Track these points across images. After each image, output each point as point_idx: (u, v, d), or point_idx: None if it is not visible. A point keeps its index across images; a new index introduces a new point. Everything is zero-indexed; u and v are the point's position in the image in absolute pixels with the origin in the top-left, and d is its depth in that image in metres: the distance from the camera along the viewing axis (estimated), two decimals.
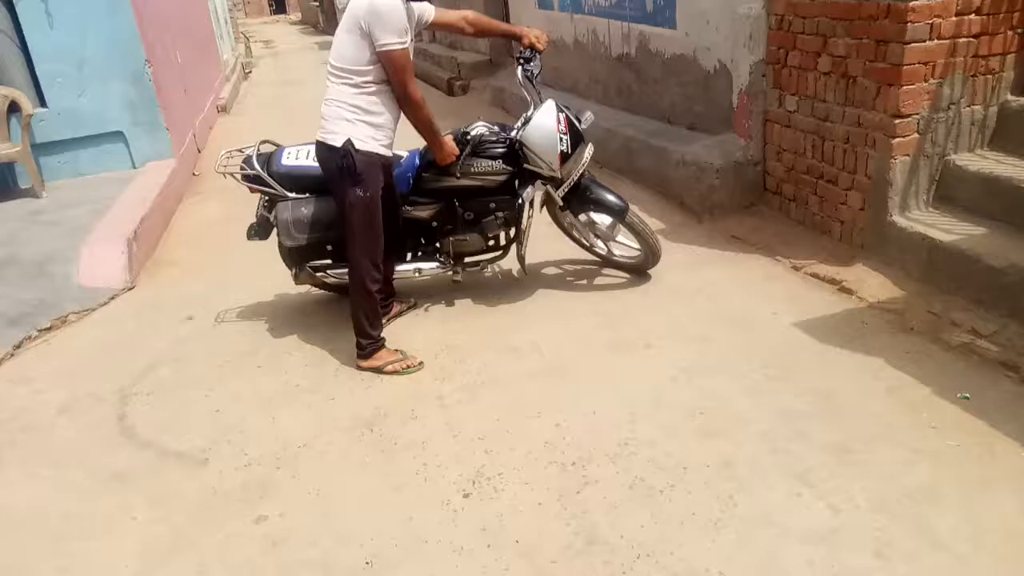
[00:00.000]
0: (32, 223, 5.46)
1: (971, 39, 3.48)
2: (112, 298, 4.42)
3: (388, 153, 3.23)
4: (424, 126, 3.24)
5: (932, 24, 3.37)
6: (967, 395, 2.73)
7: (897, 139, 3.55)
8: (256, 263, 4.34)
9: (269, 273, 4.11)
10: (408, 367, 3.29)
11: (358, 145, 3.05)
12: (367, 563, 2.27)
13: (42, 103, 6.31)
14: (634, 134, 5.63)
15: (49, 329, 4.08)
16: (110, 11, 6.26)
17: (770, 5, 4.21)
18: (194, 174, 7.27)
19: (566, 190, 3.63)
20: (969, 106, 3.63)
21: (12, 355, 3.85)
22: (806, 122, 4.12)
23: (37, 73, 6.24)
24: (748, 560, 2.12)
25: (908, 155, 3.60)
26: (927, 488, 2.32)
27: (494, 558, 2.23)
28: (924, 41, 3.39)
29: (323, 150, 3.15)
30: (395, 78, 3.04)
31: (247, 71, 15.91)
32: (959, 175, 3.63)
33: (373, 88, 3.06)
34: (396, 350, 3.37)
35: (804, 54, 4.02)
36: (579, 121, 3.59)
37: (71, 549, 2.46)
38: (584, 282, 4.05)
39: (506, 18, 9.30)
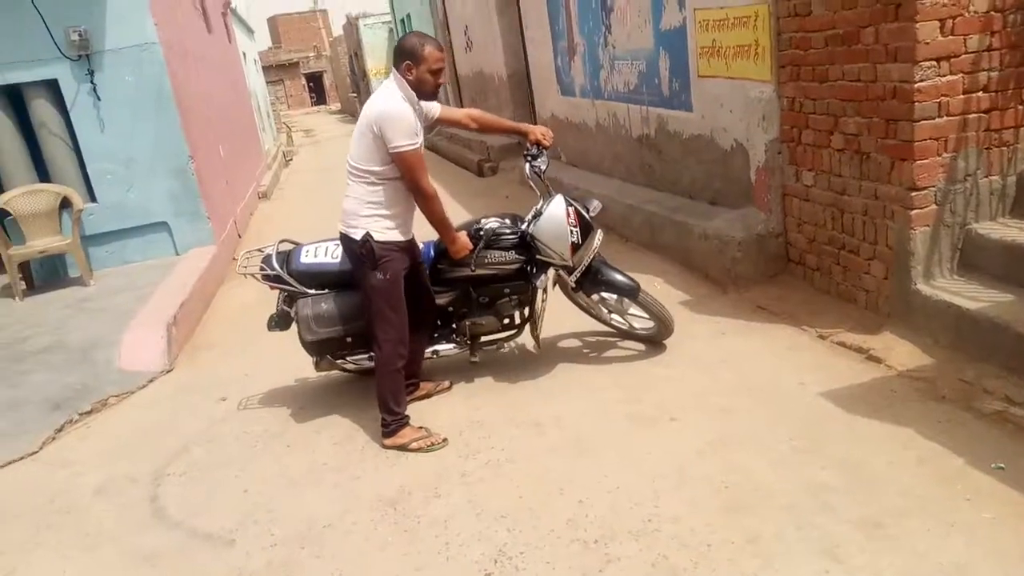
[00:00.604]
0: (79, 310, 5.71)
1: (981, 114, 3.53)
2: (151, 381, 4.57)
3: (407, 237, 3.38)
4: (437, 220, 3.38)
5: (940, 102, 3.44)
6: (1002, 465, 2.66)
7: (915, 211, 3.58)
8: (289, 344, 4.43)
9: (301, 355, 4.18)
10: (432, 444, 3.32)
11: (376, 236, 3.25)
12: None
13: (92, 198, 6.69)
14: (656, 210, 5.74)
15: (90, 412, 4.22)
16: (157, 112, 6.70)
17: (781, 88, 4.35)
18: (234, 259, 7.53)
19: (578, 275, 3.73)
20: (987, 176, 3.66)
21: (54, 439, 3.98)
22: (824, 196, 4.18)
23: (88, 171, 6.65)
24: None
25: (928, 225, 3.62)
26: (961, 564, 2.25)
27: None
28: (934, 119, 3.46)
29: (346, 241, 3.36)
30: (407, 176, 3.22)
31: (288, 159, 16.62)
32: (981, 243, 3.63)
33: (387, 184, 3.24)
34: (420, 427, 3.41)
35: (817, 132, 4.12)
36: (587, 211, 3.73)
37: None
38: (604, 354, 4.08)
39: (531, 105, 9.66)
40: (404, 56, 3.21)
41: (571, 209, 3.63)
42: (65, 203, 6.36)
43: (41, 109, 6.44)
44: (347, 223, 3.32)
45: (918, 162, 3.49)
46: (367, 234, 3.24)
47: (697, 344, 4.03)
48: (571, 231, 3.57)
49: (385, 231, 3.27)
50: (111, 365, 4.70)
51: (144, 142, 6.70)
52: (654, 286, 5.01)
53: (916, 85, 3.40)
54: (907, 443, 2.89)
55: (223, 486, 3.29)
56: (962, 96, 3.47)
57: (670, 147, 5.98)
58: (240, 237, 8.46)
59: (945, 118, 3.47)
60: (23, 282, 6.30)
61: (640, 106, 6.33)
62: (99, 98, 6.52)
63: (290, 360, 4.42)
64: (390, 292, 3.29)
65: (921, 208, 3.58)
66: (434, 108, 3.53)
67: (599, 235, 3.76)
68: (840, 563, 2.31)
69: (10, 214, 6.24)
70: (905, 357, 3.52)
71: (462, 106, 13.24)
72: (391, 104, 3.17)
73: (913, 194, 3.55)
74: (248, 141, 12.45)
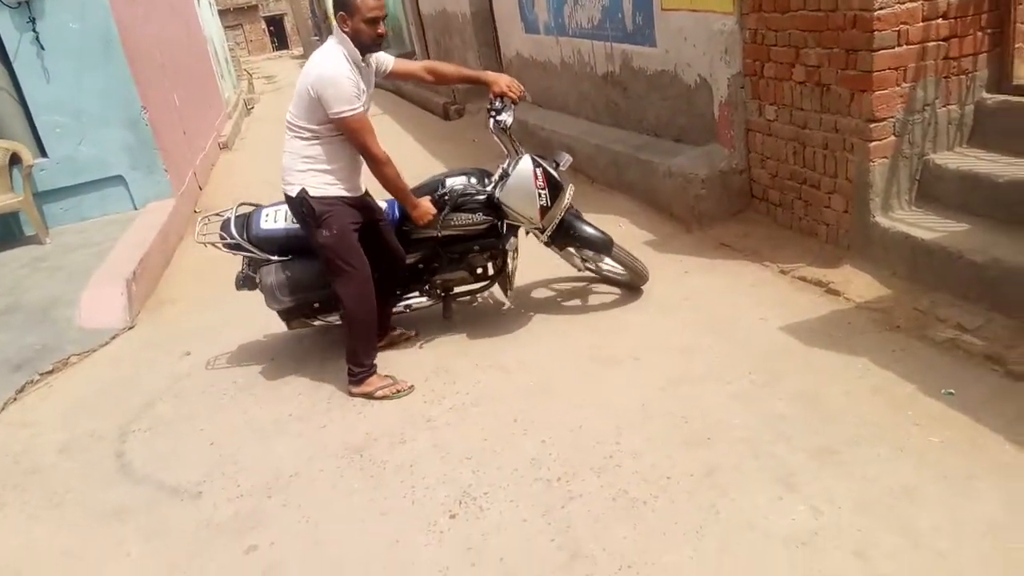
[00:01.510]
0: (35, 269, 5.57)
1: (941, 42, 3.51)
2: (113, 338, 4.50)
3: (353, 193, 3.26)
4: (392, 187, 3.26)
5: (899, 31, 3.40)
6: (952, 391, 2.73)
7: (874, 142, 3.58)
8: (254, 297, 4.39)
9: (267, 309, 4.16)
10: (398, 391, 3.32)
11: (313, 192, 3.13)
12: None
13: (43, 153, 6.46)
14: (622, 149, 5.69)
15: (51, 372, 4.15)
16: (105, 60, 6.43)
17: (743, 20, 4.27)
18: (195, 212, 7.38)
19: (550, 233, 3.63)
20: (945, 106, 3.66)
21: (15, 399, 3.92)
22: (786, 130, 4.16)
23: (36, 124, 6.41)
24: (730, 567, 2.13)
25: (886, 157, 3.63)
26: (910, 487, 2.32)
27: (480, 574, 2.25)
28: (893, 48, 3.42)
29: (287, 200, 3.26)
30: (354, 141, 3.10)
31: (250, 107, 16.17)
32: (939, 174, 3.65)
33: (324, 140, 3.11)
34: (387, 375, 3.41)
35: (779, 65, 4.07)
36: (556, 166, 3.60)
37: None
38: (574, 302, 4.08)
39: (496, 44, 9.44)
40: (338, 6, 3.02)
41: (539, 170, 3.45)
42: (15, 159, 6.14)
43: None
44: (285, 180, 3.20)
45: (876, 93, 3.47)
46: (303, 190, 3.12)
47: (661, 284, 4.04)
48: (539, 194, 3.42)
49: (324, 186, 3.15)
50: (71, 324, 4.62)
51: (93, 92, 6.45)
52: (618, 227, 5.00)
53: (876, 13, 3.35)
54: (862, 373, 2.95)
55: (189, 440, 3.29)
56: (921, 24, 3.44)
57: (635, 84, 5.89)
58: (201, 189, 8.27)
59: (904, 47, 3.44)
60: None
61: (604, 42, 6.21)
62: (43, 47, 6.23)
63: (256, 313, 4.36)
64: (340, 247, 3.18)
65: (880, 140, 3.57)
66: (386, 61, 3.36)
67: (570, 191, 3.62)
68: (794, 490, 2.38)
69: None
70: (863, 289, 3.57)
71: (426, 47, 12.92)
72: (329, 67, 3.00)
73: (872, 126, 3.54)
74: (206, 89, 12.07)
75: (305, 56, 34.35)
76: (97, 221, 6.57)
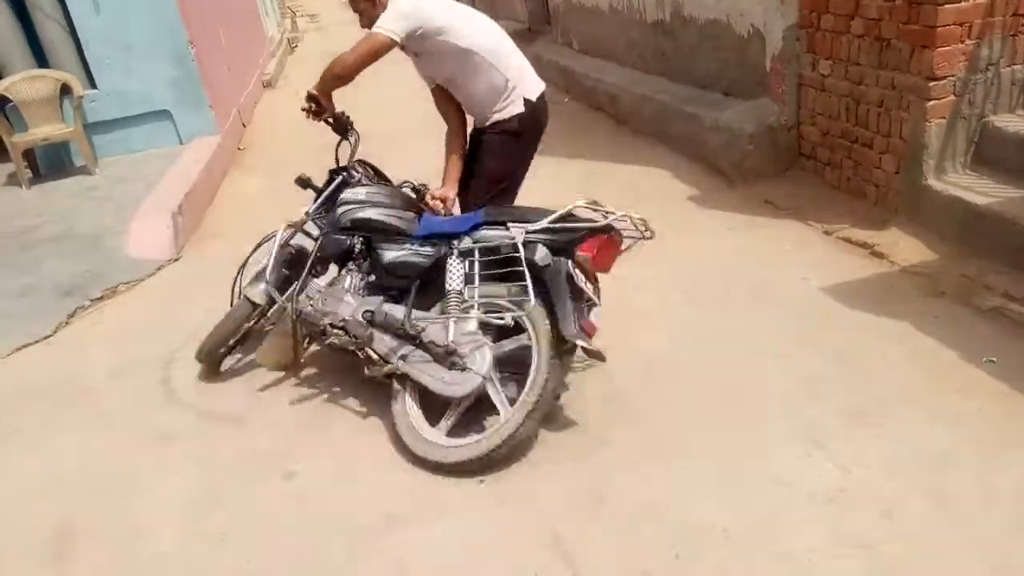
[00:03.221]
0: (86, 199, 5.71)
1: None
2: (159, 269, 4.63)
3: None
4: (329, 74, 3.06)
5: None
6: (993, 359, 2.70)
7: (932, 102, 3.47)
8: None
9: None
10: None
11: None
12: (386, 517, 2.38)
13: (92, 85, 6.54)
14: (668, 100, 5.58)
15: (100, 299, 4.29)
16: None
17: None
18: (239, 148, 7.46)
19: None
20: (1010, 66, 3.52)
21: (67, 324, 4.07)
22: (840, 86, 4.04)
23: (86, 56, 6.48)
24: (754, 517, 2.17)
25: (944, 118, 3.51)
26: (941, 451, 2.31)
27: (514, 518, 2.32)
28: (959, 1, 3.28)
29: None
30: (355, 49, 2.95)
31: (293, 45, 16.11)
32: (998, 137, 3.53)
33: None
34: None
35: (837, 17, 3.93)
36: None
37: (119, 500, 2.65)
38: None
39: None
40: None
41: None
42: (65, 90, 6.24)
43: None
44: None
45: (939, 49, 3.35)
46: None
47: (703, 239, 4.01)
48: None
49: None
50: (120, 253, 4.75)
51: (141, 25, 6.47)
52: (661, 180, 4.94)
53: None
54: (902, 337, 2.92)
55: (231, 371, 3.39)
56: None
57: (685, 33, 5.74)
58: (245, 127, 8.33)
59: (971, 1, 3.30)
60: (28, 170, 6.28)
61: None
62: None
63: None
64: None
65: (938, 99, 3.46)
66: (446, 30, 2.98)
67: None
68: (824, 448, 2.39)
69: (11, 101, 6.14)
70: (909, 253, 3.51)
71: None
72: None
73: (931, 84, 3.42)
74: (251, 27, 12.03)
75: None
76: (144, 154, 6.67)
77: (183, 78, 6.72)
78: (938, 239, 3.51)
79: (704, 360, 2.97)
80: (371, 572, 2.21)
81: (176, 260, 4.76)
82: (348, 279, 3.06)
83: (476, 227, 2.78)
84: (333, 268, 3.21)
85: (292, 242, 3.29)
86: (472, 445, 2.50)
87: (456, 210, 3.25)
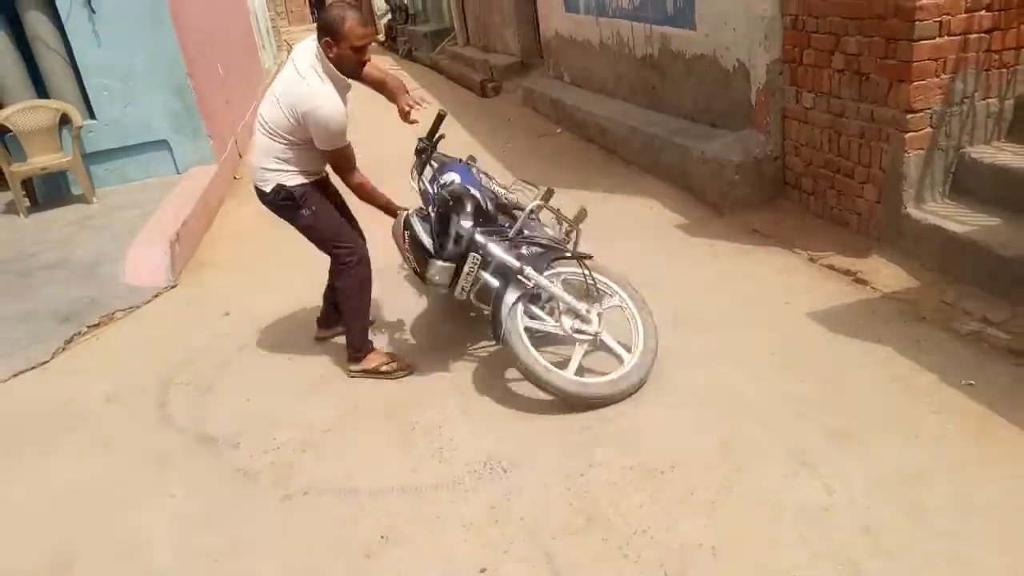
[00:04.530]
0: (83, 227, 5.78)
1: (983, 35, 3.49)
2: (156, 296, 4.68)
3: (315, 178, 3.34)
4: (372, 201, 3.33)
5: (941, 21, 3.40)
6: (972, 382, 2.77)
7: (909, 133, 3.59)
8: (290, 263, 4.55)
9: (300, 273, 4.30)
10: (399, 369, 3.36)
11: (288, 183, 3.22)
12: (383, 537, 2.42)
13: (91, 115, 6.65)
14: (658, 132, 5.72)
15: (97, 325, 4.35)
16: (153, 28, 6.59)
17: (784, 5, 4.28)
18: (235, 178, 7.56)
19: None
20: (984, 99, 3.64)
21: (64, 349, 4.12)
22: (822, 118, 4.17)
23: (86, 87, 6.59)
24: (741, 536, 2.22)
25: (922, 149, 3.63)
26: (922, 470, 2.38)
27: (500, 533, 2.37)
28: (933, 38, 3.42)
29: (260, 195, 3.33)
30: (335, 167, 3.22)
31: None
32: (974, 167, 3.65)
33: (298, 148, 3.16)
34: (386, 352, 3.46)
35: (818, 52, 4.07)
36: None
37: (116, 521, 2.68)
38: None
39: (535, 21, 9.44)
40: (323, 31, 2.98)
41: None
42: (64, 120, 6.34)
43: (35, 22, 6.33)
44: (257, 177, 3.27)
45: (915, 83, 3.48)
46: (278, 185, 3.21)
47: (692, 266, 4.10)
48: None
49: (295, 176, 3.23)
50: (117, 280, 4.80)
51: (141, 58, 6.60)
52: (650, 210, 5.06)
53: (918, 2, 3.35)
54: (884, 360, 3.00)
55: (227, 395, 3.44)
56: (964, 15, 3.43)
57: (673, 67, 5.90)
58: (241, 157, 8.44)
59: (945, 38, 3.44)
60: (27, 199, 6.36)
61: (644, 24, 6.21)
62: (94, 11, 6.38)
63: (290, 279, 4.52)
64: (324, 219, 3.31)
65: (916, 131, 3.58)
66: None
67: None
68: (809, 467, 2.45)
69: (10, 131, 6.23)
70: (891, 279, 3.60)
71: (465, 23, 12.92)
72: (325, 108, 2.97)
73: (909, 116, 3.55)
74: (248, 59, 12.23)
75: None
76: (141, 184, 6.76)
77: (182, 109, 6.84)
78: (918, 266, 3.61)
79: (690, 380, 3.04)
80: None
81: (172, 287, 4.82)
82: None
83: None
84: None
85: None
86: (606, 383, 2.92)
87: None
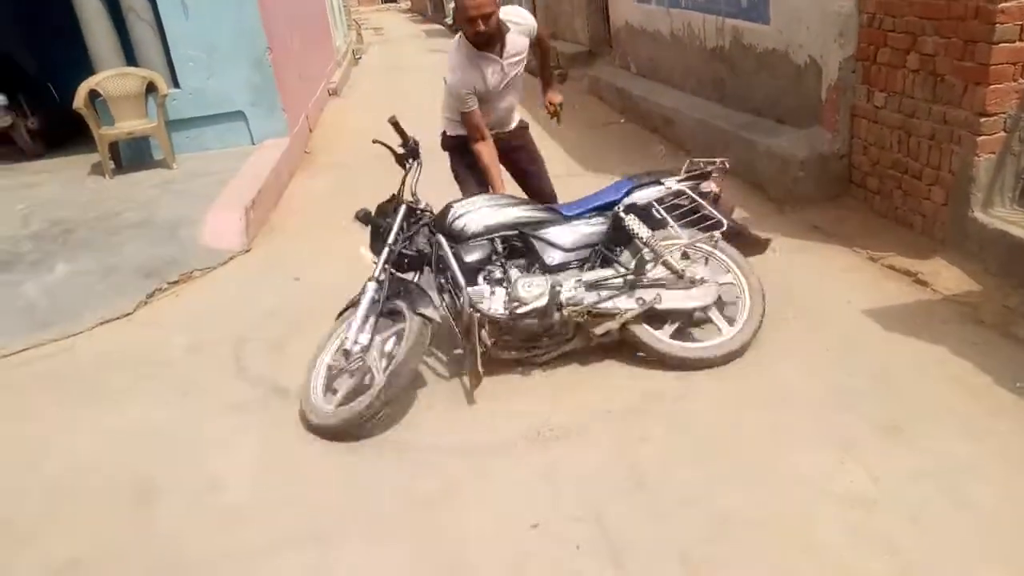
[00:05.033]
0: (164, 191, 6.10)
1: None
2: (231, 258, 4.94)
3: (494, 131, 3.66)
4: (486, 174, 3.55)
5: (1022, 25, 3.37)
6: None
7: (982, 137, 3.56)
8: (357, 234, 4.71)
9: (362, 245, 4.46)
10: None
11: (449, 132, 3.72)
12: (440, 491, 2.58)
13: (175, 84, 6.97)
14: (723, 125, 5.73)
15: (177, 282, 4.62)
16: (238, 2, 6.86)
17: (862, 3, 4.26)
18: (305, 152, 7.83)
19: None
20: None
21: (146, 303, 4.40)
22: (893, 118, 4.15)
23: (172, 57, 6.91)
24: (783, 513, 2.30)
25: (993, 153, 3.60)
26: (969, 464, 2.42)
27: (551, 493, 2.50)
28: (1013, 42, 3.39)
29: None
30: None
31: (358, 57, 16.66)
32: None
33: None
34: None
35: (894, 51, 4.06)
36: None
37: (195, 461, 2.90)
38: None
39: (605, 11, 9.47)
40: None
41: None
42: (151, 88, 6.67)
43: None
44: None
45: (991, 87, 3.45)
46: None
47: (751, 259, 4.13)
48: None
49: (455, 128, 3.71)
50: (195, 242, 5.08)
51: (225, 30, 6.89)
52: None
53: (999, 5, 3.33)
54: (939, 360, 3.02)
55: (299, 354, 3.60)
56: None
57: (743, 61, 5.90)
58: (311, 131, 8.72)
59: None
60: (112, 161, 6.72)
61: (716, 16, 6.21)
62: None
63: (354, 248, 4.69)
64: (459, 174, 3.80)
65: (989, 135, 3.56)
66: (526, 33, 3.58)
67: None
68: (855, 456, 2.51)
69: (100, 95, 6.59)
70: (952, 282, 3.59)
71: (534, 10, 12.97)
72: (449, 76, 3.40)
73: (982, 120, 3.52)
74: (320, 36, 12.54)
75: (412, 10, 34.77)
76: (218, 152, 7.07)
77: (260, 82, 7.11)
78: (982, 270, 3.59)
79: (743, 371, 3.11)
80: (426, 538, 2.40)
81: (247, 251, 5.08)
82: (498, 273, 3.25)
83: (629, 192, 3.34)
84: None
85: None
86: (711, 347, 3.14)
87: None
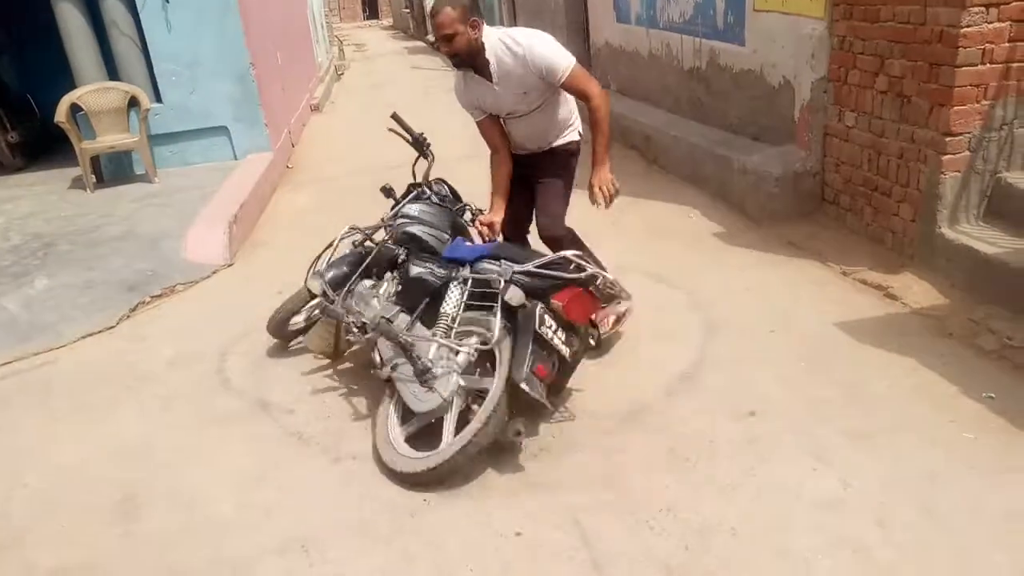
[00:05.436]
0: (146, 205, 6.10)
1: None
2: (214, 272, 4.96)
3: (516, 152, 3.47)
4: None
5: (984, 49, 3.51)
6: (992, 395, 2.89)
7: (948, 156, 3.70)
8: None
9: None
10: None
11: None
12: (425, 500, 2.62)
13: (158, 98, 6.99)
14: (700, 142, 5.86)
15: (160, 296, 4.63)
16: (221, 17, 6.92)
17: (833, 27, 4.41)
18: (288, 167, 7.86)
19: None
20: (1023, 127, 3.74)
21: (128, 316, 4.40)
22: (863, 137, 4.29)
23: (155, 72, 6.94)
24: (759, 518, 2.38)
25: (958, 171, 3.74)
26: (937, 472, 2.51)
27: (535, 502, 2.55)
28: (976, 65, 3.54)
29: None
30: None
31: (339, 73, 16.73)
32: (1009, 192, 3.74)
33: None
34: None
35: (863, 73, 4.20)
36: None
37: (178, 473, 2.92)
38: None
39: (586, 31, 9.62)
40: None
41: None
42: (133, 102, 6.68)
43: (112, 8, 6.69)
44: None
45: (955, 108, 3.59)
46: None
47: (726, 273, 4.24)
48: None
49: None
50: (178, 256, 5.09)
51: (208, 45, 6.93)
52: (688, 218, 5.21)
53: (962, 30, 3.47)
54: (908, 371, 3.12)
55: (282, 367, 3.67)
56: (1007, 44, 3.53)
57: (719, 81, 6.04)
58: (293, 146, 8.75)
59: (988, 65, 3.55)
60: (93, 175, 6.71)
61: (694, 37, 6.37)
62: (167, 0, 6.74)
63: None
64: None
65: (954, 154, 3.69)
66: (553, 72, 3.09)
67: None
68: (827, 464, 2.59)
69: (82, 109, 6.59)
70: (921, 296, 3.71)
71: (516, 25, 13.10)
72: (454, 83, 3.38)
73: (947, 139, 3.66)
74: (303, 52, 12.60)
75: (395, 27, 34.94)
76: (201, 167, 7.09)
77: (242, 96, 7.16)
78: (949, 285, 3.72)
79: (720, 382, 3.19)
80: (408, 546, 2.44)
81: (230, 265, 5.10)
82: (384, 286, 3.35)
83: (481, 258, 2.97)
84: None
85: (366, 244, 3.56)
86: (418, 460, 2.68)
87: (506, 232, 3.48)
